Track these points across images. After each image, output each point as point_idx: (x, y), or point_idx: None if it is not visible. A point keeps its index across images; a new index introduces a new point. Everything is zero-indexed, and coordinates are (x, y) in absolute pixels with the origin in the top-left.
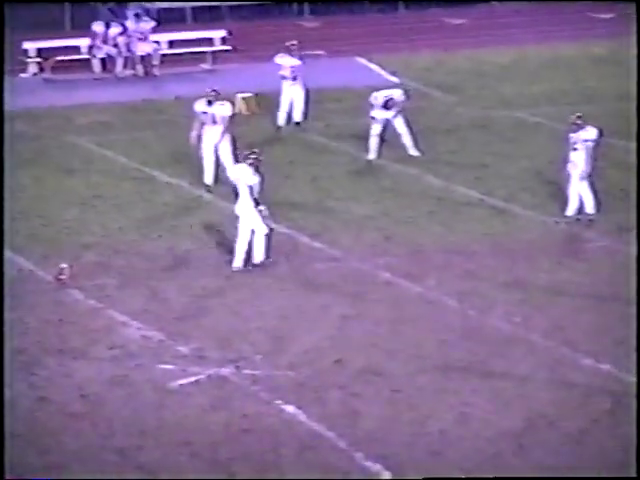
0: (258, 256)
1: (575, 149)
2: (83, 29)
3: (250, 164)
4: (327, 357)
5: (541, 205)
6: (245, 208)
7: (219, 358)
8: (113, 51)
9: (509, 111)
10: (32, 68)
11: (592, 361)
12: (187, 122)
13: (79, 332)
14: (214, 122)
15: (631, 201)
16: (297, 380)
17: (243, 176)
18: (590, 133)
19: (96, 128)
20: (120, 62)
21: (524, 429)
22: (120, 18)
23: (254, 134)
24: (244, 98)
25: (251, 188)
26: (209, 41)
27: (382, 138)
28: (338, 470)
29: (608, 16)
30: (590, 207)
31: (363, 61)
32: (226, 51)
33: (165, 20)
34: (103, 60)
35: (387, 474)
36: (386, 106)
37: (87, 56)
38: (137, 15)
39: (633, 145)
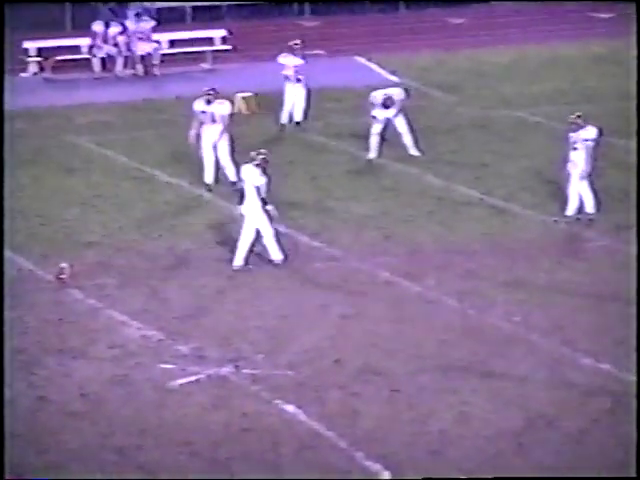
0: (275, 256)
1: (575, 148)
2: (83, 29)
3: (257, 165)
4: (327, 356)
5: (541, 204)
6: (252, 208)
7: (219, 357)
8: (113, 51)
9: (509, 111)
10: (32, 67)
11: (592, 360)
12: (187, 121)
13: (79, 331)
14: (213, 121)
15: (631, 201)
16: (297, 379)
17: (250, 177)
18: (590, 132)
19: (96, 128)
20: (120, 62)
21: (524, 428)
22: (120, 18)
23: (254, 134)
24: (244, 98)
25: (258, 189)
26: (209, 41)
27: (383, 137)
28: (338, 469)
29: (608, 16)
30: (590, 206)
31: (363, 61)
32: (226, 51)
33: (165, 20)
34: (103, 60)
35: (387, 473)
36: (385, 105)
37: (87, 56)
38: (137, 15)
39: (633, 144)
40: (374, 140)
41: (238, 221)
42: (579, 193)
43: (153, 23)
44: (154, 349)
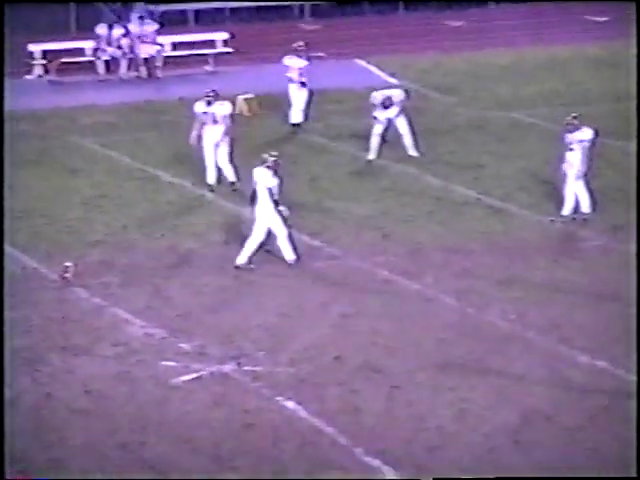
0: (289, 256)
1: (571, 149)
2: (87, 32)
3: (268, 167)
4: (327, 354)
5: (537, 204)
6: (264, 210)
7: (221, 355)
8: (118, 53)
9: (506, 112)
10: (37, 70)
11: (588, 358)
12: (190, 123)
13: (83, 329)
14: (214, 122)
15: (626, 201)
16: (297, 376)
17: (262, 178)
18: (586, 133)
19: (100, 129)
20: (124, 64)
21: (521, 425)
22: (124, 21)
23: (256, 135)
24: (246, 99)
25: (270, 190)
26: (211, 43)
27: (384, 138)
28: (338, 465)
29: (603, 19)
30: (586, 206)
31: (363, 63)
32: (228, 53)
33: (168, 22)
34: (107, 62)
35: (386, 469)
36: (384, 105)
37: (91, 58)
38: (141, 18)
39: (629, 145)
40: (375, 141)
41: (247, 221)
42: (575, 193)
43: (157, 26)
44: (157, 347)
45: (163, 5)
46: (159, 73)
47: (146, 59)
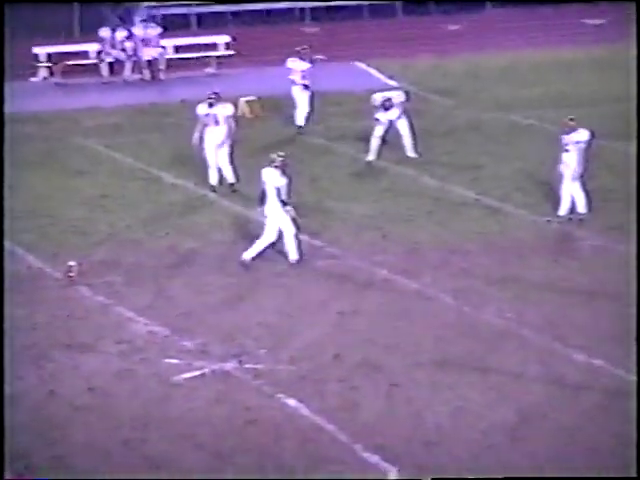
0: (292, 255)
1: (567, 150)
2: (91, 35)
3: (277, 166)
4: (327, 352)
5: (534, 205)
6: (273, 209)
7: (222, 353)
8: (122, 55)
9: (503, 114)
10: (42, 72)
11: (584, 356)
12: (192, 125)
13: (87, 327)
14: (216, 123)
15: (621, 201)
16: (298, 374)
17: (271, 178)
18: (582, 135)
19: (104, 130)
20: (128, 66)
21: (517, 422)
22: (127, 24)
23: (257, 137)
24: (248, 101)
25: (278, 190)
26: (213, 46)
27: (384, 140)
28: (338, 461)
29: (598, 22)
30: (582, 206)
31: (362, 66)
32: (230, 56)
33: (171, 26)
34: (111, 64)
35: (385, 464)
36: (384, 107)
37: (95, 61)
38: (144, 21)
39: (624, 146)
40: (375, 142)
41: (256, 221)
42: (571, 194)
43: (160, 30)
44: (160, 344)
45: (166, 9)
46: (162, 76)
47: (149, 62)
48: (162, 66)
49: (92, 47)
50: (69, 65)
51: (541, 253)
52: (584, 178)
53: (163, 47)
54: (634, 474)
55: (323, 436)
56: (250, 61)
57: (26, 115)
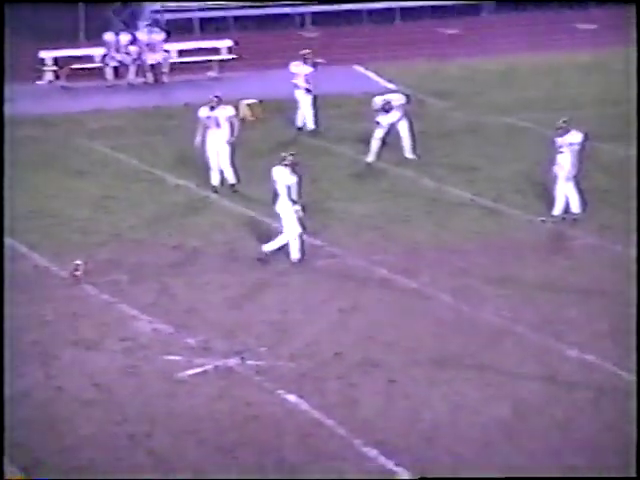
0: (294, 254)
1: (561, 152)
2: (96, 39)
3: (286, 165)
4: (327, 349)
5: (529, 205)
6: (284, 207)
7: (225, 350)
8: (127, 59)
9: (499, 116)
10: (48, 76)
11: (577, 353)
12: (195, 127)
13: (92, 325)
14: (218, 125)
15: (614, 201)
16: (299, 371)
17: (281, 177)
18: (575, 137)
19: (109, 132)
20: (132, 70)
21: (513, 418)
22: (131, 29)
23: (259, 139)
24: (249, 104)
25: (289, 188)
26: (216, 50)
27: (384, 142)
28: (337, 456)
29: (592, 27)
30: (575, 207)
31: (361, 69)
32: (232, 60)
33: (174, 30)
34: (115, 68)
35: (383, 459)
36: (384, 109)
37: (100, 64)
38: (149, 26)
39: (617, 148)
40: (375, 144)
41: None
42: (565, 194)
43: (164, 35)
44: (163, 342)
45: (169, 14)
46: (165, 79)
47: (153, 65)
48: (165, 70)
49: (97, 51)
50: (74, 69)
51: (536, 252)
52: (578, 179)
53: (167, 51)
54: (632, 472)
55: (323, 431)
56: (251, 65)
57: (32, 117)
